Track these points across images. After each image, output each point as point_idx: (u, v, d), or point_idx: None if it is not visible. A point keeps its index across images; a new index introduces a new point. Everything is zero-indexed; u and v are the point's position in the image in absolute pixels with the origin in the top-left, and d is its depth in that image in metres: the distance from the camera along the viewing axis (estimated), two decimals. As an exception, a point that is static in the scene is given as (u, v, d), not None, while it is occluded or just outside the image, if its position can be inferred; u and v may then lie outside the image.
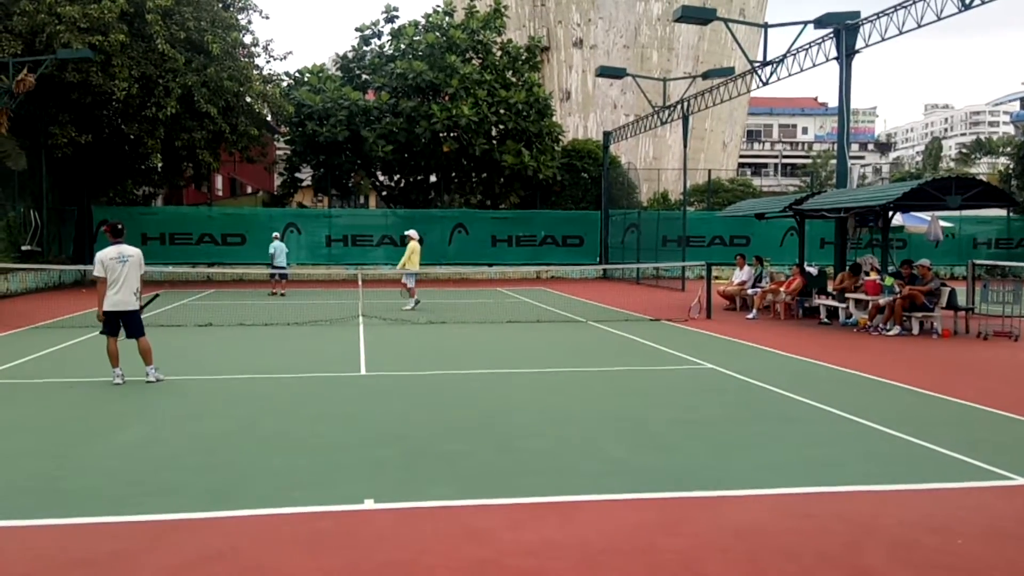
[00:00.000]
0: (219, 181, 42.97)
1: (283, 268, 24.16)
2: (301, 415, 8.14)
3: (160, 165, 26.95)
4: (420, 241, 20.20)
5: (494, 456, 6.70)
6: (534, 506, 5.46)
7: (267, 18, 77.29)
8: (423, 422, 7.81)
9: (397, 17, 34.85)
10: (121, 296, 9.75)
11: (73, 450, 6.80)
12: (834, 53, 18.29)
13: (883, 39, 17.49)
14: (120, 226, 10.04)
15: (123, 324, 9.87)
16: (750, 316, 17.77)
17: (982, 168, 62.02)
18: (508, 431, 7.49)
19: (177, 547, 4.71)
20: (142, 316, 10.10)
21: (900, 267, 15.84)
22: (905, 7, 16.96)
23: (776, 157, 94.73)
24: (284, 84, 32.60)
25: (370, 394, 9.30)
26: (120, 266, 9.71)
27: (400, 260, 20.26)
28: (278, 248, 24.17)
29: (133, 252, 9.87)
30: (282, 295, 23.83)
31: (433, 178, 35.71)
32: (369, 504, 5.43)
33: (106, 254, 9.77)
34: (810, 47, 19.82)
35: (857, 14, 17.95)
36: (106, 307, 9.75)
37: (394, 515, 5.27)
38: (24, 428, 7.62)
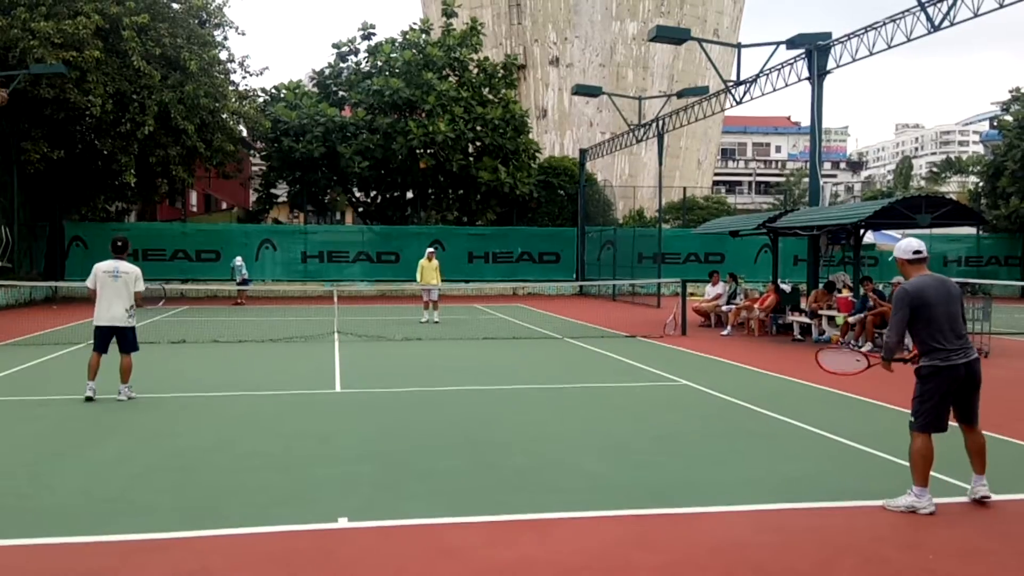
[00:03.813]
0: (193, 197, 42.67)
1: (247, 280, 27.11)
2: (275, 432, 8.09)
3: (134, 181, 26.75)
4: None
5: (470, 473, 6.69)
6: (510, 523, 5.46)
7: (243, 34, 77.07)
8: (398, 439, 7.79)
9: (374, 34, 34.91)
10: (113, 312, 9.75)
11: (44, 469, 6.70)
12: (806, 73, 18.55)
13: (854, 59, 17.76)
14: (120, 243, 10.04)
15: (117, 340, 9.85)
16: (724, 333, 17.90)
17: (952, 187, 62.84)
18: (483, 448, 7.49)
19: (150, 567, 4.66)
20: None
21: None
22: (876, 28, 17.26)
23: (750, 175, 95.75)
24: (260, 100, 32.48)
25: (345, 411, 9.27)
26: (112, 281, 9.73)
27: (430, 277, 20.07)
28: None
29: (129, 269, 9.86)
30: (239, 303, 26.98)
31: (410, 194, 35.69)
32: (344, 522, 5.40)
33: (101, 267, 9.82)
34: (783, 67, 20.08)
35: (828, 35, 18.23)
36: (98, 322, 9.80)
37: (370, 533, 5.25)
38: (-7, 447, 7.51)
